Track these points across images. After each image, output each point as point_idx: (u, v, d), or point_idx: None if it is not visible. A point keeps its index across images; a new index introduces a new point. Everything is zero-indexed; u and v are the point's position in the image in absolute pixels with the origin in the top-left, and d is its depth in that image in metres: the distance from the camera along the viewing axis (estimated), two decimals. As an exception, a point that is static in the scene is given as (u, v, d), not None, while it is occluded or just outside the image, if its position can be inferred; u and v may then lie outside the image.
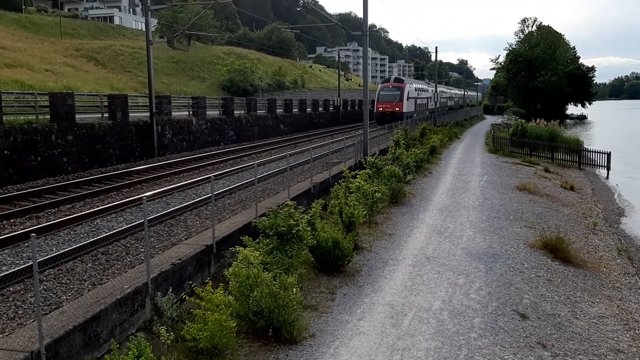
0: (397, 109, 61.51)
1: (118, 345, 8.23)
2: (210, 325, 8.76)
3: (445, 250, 16.06)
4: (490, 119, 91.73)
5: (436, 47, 69.75)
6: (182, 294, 10.96)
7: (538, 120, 55.23)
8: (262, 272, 10.48)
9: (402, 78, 69.81)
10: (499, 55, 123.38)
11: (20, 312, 8.84)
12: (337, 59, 62.30)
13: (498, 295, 12.67)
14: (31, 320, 8.35)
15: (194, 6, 67.18)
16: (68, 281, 10.26)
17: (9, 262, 11.46)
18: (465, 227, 18.82)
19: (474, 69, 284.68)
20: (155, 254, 11.86)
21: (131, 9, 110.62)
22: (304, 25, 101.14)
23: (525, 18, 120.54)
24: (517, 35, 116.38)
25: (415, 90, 69.33)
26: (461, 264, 14.85)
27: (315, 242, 13.50)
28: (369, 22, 29.36)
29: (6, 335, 7.83)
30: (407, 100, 62.79)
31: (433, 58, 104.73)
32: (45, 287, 9.73)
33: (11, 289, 9.53)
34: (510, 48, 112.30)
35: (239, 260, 10.88)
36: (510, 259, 15.42)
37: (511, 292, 12.97)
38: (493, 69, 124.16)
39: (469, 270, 14.37)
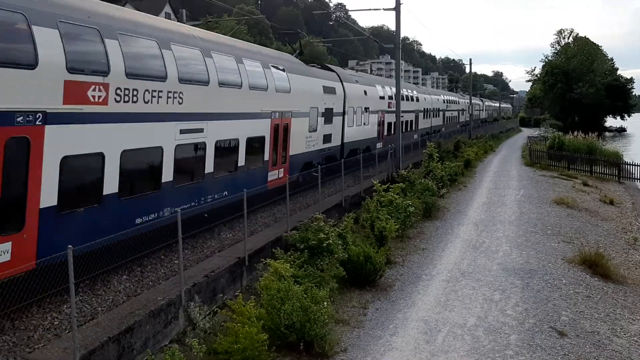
0: None
1: (152, 355, 8.32)
2: (241, 339, 8.77)
3: (480, 265, 15.76)
4: (527, 132, 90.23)
5: (470, 59, 69.19)
6: (215, 307, 11.02)
7: (576, 133, 53.97)
8: (293, 285, 10.47)
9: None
10: (535, 67, 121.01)
11: (56, 322, 9.00)
12: (369, 71, 60.82)
13: (535, 312, 12.36)
14: (67, 332, 8.49)
15: (228, 22, 68.37)
16: (103, 292, 10.42)
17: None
18: (502, 241, 18.46)
19: (509, 80, 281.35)
20: (188, 265, 11.96)
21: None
22: (336, 39, 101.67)
23: (562, 29, 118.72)
24: (553, 47, 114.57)
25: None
26: (497, 279, 14.55)
27: (346, 255, 13.43)
28: (402, 35, 29.32)
29: (42, 347, 7.97)
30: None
31: (467, 70, 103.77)
32: (80, 298, 9.90)
33: (47, 299, 9.72)
34: (547, 60, 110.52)
35: (270, 273, 10.90)
36: (547, 275, 15.04)
37: (549, 308, 12.63)
38: (529, 80, 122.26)
39: (505, 286, 14.06)
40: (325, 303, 10.35)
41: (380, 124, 33.82)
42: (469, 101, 70.40)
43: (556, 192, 29.37)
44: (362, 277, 13.54)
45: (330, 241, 12.99)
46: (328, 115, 24.51)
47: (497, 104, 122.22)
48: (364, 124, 30.25)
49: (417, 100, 46.54)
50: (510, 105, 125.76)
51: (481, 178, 34.47)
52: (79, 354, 7.42)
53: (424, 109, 48.49)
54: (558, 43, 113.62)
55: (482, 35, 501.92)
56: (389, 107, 35.23)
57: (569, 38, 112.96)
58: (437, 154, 28.52)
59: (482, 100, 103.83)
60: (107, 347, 8.09)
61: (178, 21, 19.03)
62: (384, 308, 12.43)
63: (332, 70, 28.31)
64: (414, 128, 44.02)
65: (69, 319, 9.05)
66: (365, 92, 30.85)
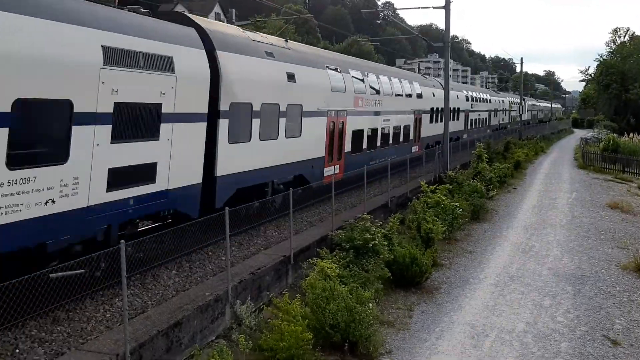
0: None
1: (200, 350, 8.47)
2: (287, 337, 8.81)
3: (530, 269, 15.38)
4: (579, 133, 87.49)
5: (521, 58, 67.62)
6: (261, 304, 11.13)
7: (631, 135, 52.06)
8: (338, 285, 10.45)
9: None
10: (589, 67, 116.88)
11: (108, 315, 9.26)
12: (417, 70, 59.57)
13: (587, 320, 11.98)
14: (118, 324, 8.72)
15: (276, 22, 68.93)
16: (153, 287, 10.66)
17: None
18: (552, 246, 17.97)
19: (562, 80, 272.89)
20: (235, 262, 12.10)
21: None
22: (384, 38, 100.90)
23: (617, 28, 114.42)
24: (608, 46, 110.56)
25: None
26: (547, 284, 14.17)
27: (392, 256, 13.33)
28: (451, 33, 28.90)
29: (94, 338, 8.21)
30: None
31: (518, 69, 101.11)
32: (131, 292, 10.15)
33: (100, 292, 10.01)
34: (601, 59, 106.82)
35: (315, 272, 10.93)
36: (600, 281, 14.55)
37: (601, 316, 12.22)
38: (582, 80, 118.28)
39: (555, 291, 13.68)
40: (371, 304, 10.30)
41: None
42: (503, 100, 64.46)
43: (610, 195, 28.38)
44: (408, 279, 13.41)
45: (376, 242, 12.93)
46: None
47: (543, 104, 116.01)
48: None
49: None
50: (560, 105, 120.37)
51: (531, 180, 33.63)
52: (130, 346, 7.61)
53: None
54: (613, 42, 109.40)
55: (533, 34, 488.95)
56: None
57: (625, 37, 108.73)
58: (486, 155, 27.98)
59: (523, 99, 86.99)
60: (157, 341, 8.28)
61: (227, 21, 19.19)
62: (430, 311, 12.28)
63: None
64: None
65: (120, 311, 9.29)
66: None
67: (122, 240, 7.84)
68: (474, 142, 34.63)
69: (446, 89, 28.48)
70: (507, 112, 65.73)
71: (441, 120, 31.28)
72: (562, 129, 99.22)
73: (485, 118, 52.40)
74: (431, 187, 19.16)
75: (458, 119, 41.18)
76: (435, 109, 33.24)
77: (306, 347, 9.09)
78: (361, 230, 13.35)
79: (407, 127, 28.18)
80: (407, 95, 28.34)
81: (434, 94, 33.52)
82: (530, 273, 15.07)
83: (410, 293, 13.25)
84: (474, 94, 49.29)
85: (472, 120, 46.42)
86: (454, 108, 38.10)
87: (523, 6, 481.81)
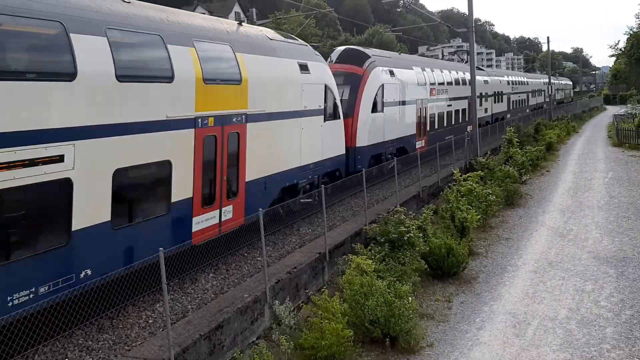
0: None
1: (240, 352, 8.55)
2: (327, 335, 8.84)
3: (569, 254, 15.09)
4: (612, 110, 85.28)
5: (548, 37, 66.10)
6: (299, 302, 11.18)
7: (668, 108, 50.48)
8: (375, 280, 10.43)
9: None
10: (619, 41, 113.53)
11: (150, 321, 9.42)
12: (440, 57, 59.05)
13: (632, 303, 11.70)
14: (161, 330, 8.87)
15: (296, 17, 68.82)
16: (192, 291, 10.81)
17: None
18: (591, 228, 17.59)
19: (591, 57, 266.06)
20: (271, 262, 12.18)
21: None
22: (405, 27, 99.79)
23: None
24: (638, 18, 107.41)
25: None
26: (588, 268, 13.89)
27: (427, 248, 13.23)
28: (474, 17, 28.42)
29: (139, 344, 8.36)
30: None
31: (544, 49, 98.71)
32: (171, 297, 10.31)
33: (141, 298, 10.20)
34: (631, 32, 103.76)
35: (352, 269, 10.92)
36: (644, 263, 14.18)
37: (647, 299, 11.91)
38: (612, 55, 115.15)
39: (597, 275, 13.40)
40: (410, 298, 10.25)
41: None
42: (538, 81, 66.84)
43: (648, 173, 27.64)
44: (445, 270, 13.31)
45: (411, 234, 12.85)
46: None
47: (564, 81, 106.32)
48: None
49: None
50: (569, 81, 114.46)
51: (565, 161, 32.96)
52: (174, 351, 7.73)
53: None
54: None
55: (558, 11, 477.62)
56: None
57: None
58: (516, 139, 27.52)
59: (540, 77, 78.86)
60: (199, 344, 8.39)
61: (248, 20, 19.22)
62: (469, 301, 12.16)
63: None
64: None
65: (162, 317, 9.46)
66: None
67: (161, 249, 7.95)
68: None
69: (472, 74, 28.08)
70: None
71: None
72: (593, 107, 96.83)
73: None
74: (464, 175, 18.93)
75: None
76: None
77: (347, 344, 9.12)
78: (395, 223, 13.28)
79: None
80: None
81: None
82: (569, 258, 14.79)
83: (447, 284, 13.15)
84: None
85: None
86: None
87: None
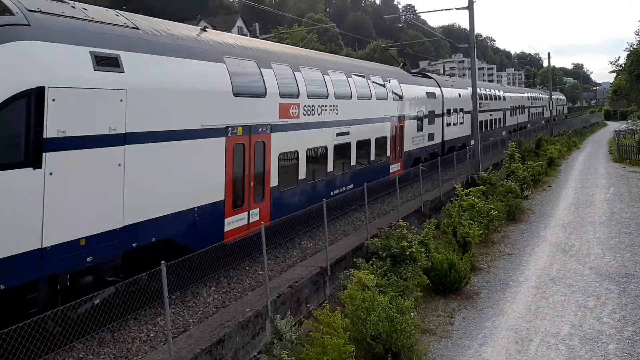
0: None
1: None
2: (329, 350, 8.79)
3: (571, 270, 15.06)
4: (613, 125, 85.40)
5: (549, 53, 66.56)
6: (301, 317, 11.13)
7: (668, 124, 50.54)
8: (377, 295, 10.39)
9: None
10: (619, 57, 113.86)
11: (151, 335, 9.38)
12: (441, 71, 59.41)
13: (634, 319, 11.66)
14: (162, 344, 8.83)
15: (299, 32, 69.32)
16: (193, 304, 10.77)
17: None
18: (593, 244, 17.56)
19: (591, 72, 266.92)
20: (272, 276, 12.15)
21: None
22: (406, 43, 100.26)
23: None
24: (638, 34, 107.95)
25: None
26: (590, 284, 13.85)
27: (429, 263, 13.20)
28: (475, 32, 28.61)
29: (140, 358, 8.33)
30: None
31: (544, 64, 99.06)
32: (173, 310, 10.27)
33: (142, 312, 10.15)
34: (631, 48, 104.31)
35: (353, 283, 10.88)
36: (646, 279, 14.14)
37: (650, 316, 11.86)
38: (613, 71, 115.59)
39: (599, 291, 13.35)
40: (412, 313, 10.21)
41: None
42: (550, 97, 68.41)
43: (650, 189, 27.64)
44: (447, 285, 13.27)
45: (413, 249, 12.82)
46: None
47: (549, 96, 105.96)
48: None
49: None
50: (562, 97, 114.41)
51: (566, 177, 32.98)
52: (175, 365, 7.69)
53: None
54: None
55: (558, 27, 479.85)
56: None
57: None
58: (518, 154, 27.56)
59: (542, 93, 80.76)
60: (201, 359, 8.34)
61: (251, 35, 19.49)
62: (471, 317, 12.11)
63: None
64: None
65: (163, 331, 9.41)
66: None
67: (163, 262, 7.94)
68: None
69: (474, 89, 28.20)
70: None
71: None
72: (594, 122, 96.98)
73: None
74: (466, 190, 18.94)
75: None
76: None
77: (348, 359, 9.06)
78: (397, 237, 13.26)
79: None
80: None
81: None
82: (571, 273, 14.75)
83: (450, 299, 13.10)
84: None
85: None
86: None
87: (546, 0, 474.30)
